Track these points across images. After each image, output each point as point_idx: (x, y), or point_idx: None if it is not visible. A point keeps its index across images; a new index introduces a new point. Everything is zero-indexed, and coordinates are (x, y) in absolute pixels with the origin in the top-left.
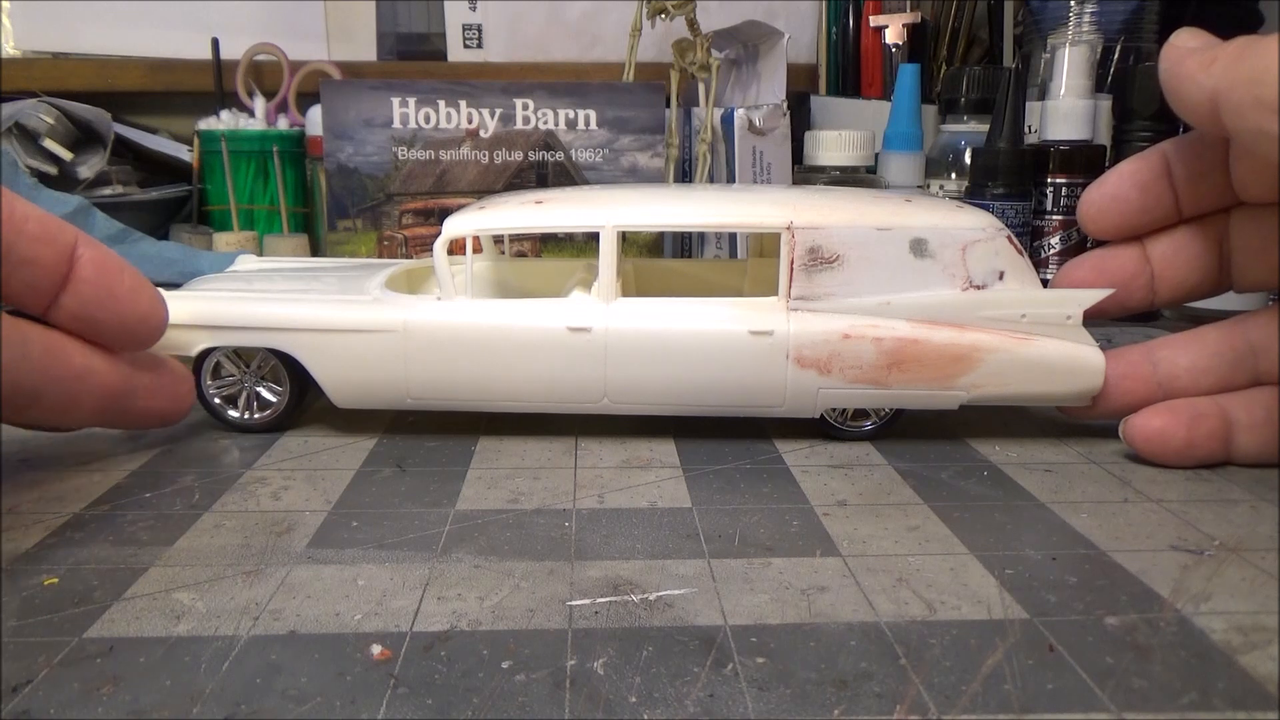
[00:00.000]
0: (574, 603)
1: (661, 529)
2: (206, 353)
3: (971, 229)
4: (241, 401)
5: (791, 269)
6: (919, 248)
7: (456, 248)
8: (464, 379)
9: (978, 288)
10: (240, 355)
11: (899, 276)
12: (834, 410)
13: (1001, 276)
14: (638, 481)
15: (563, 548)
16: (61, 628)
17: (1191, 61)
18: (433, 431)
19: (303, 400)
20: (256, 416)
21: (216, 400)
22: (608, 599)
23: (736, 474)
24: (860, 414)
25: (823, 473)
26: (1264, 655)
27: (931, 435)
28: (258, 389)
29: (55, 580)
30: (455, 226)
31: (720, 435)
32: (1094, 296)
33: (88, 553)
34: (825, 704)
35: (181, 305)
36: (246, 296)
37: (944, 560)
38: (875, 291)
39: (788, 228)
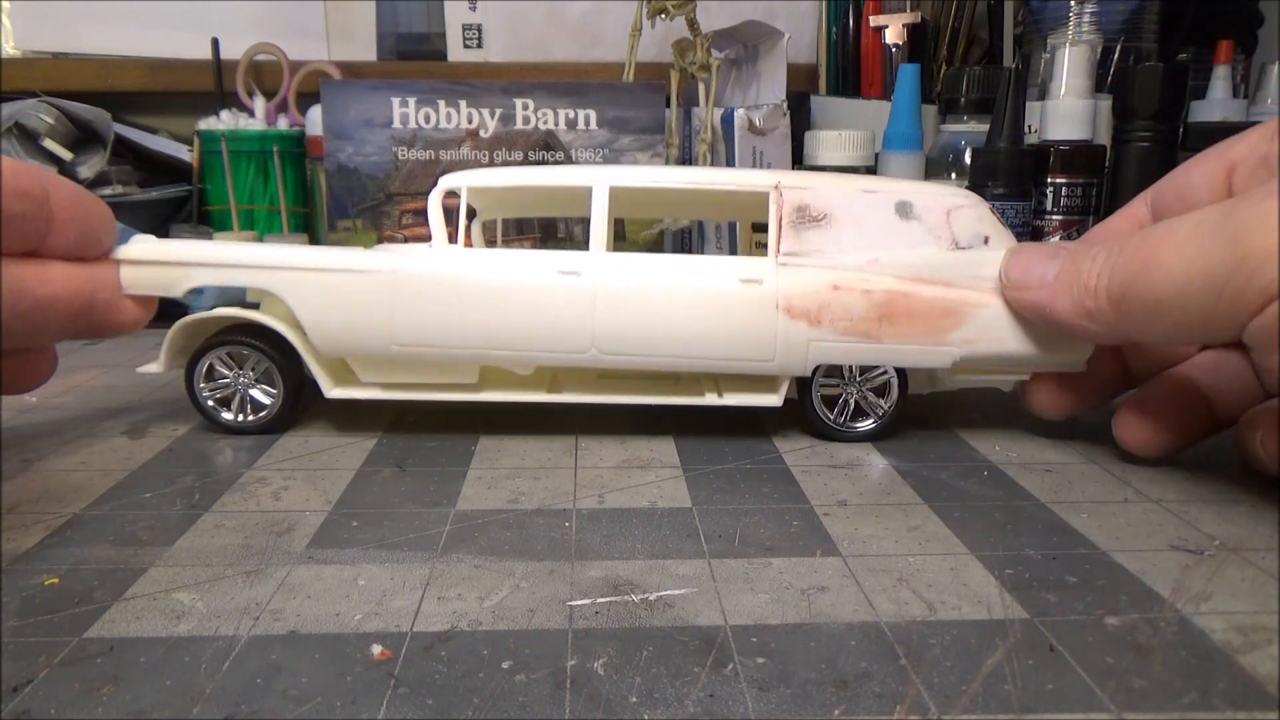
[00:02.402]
0: (574, 603)
1: (662, 529)
2: (199, 356)
3: (954, 197)
4: (235, 404)
5: (780, 227)
6: (904, 209)
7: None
8: (450, 325)
9: (963, 249)
10: (234, 357)
11: (886, 236)
12: (831, 410)
13: (986, 241)
14: (638, 481)
15: (563, 548)
16: (61, 628)
17: (1063, 303)
18: (433, 431)
19: (297, 402)
20: (250, 419)
21: (210, 403)
22: (608, 599)
23: (736, 474)
24: (858, 414)
25: (823, 473)
26: (1264, 655)
27: (931, 435)
28: (251, 391)
29: (55, 580)
30: (452, 180)
31: (720, 435)
32: None
33: (88, 553)
34: (825, 704)
35: (168, 246)
36: (237, 238)
37: (944, 560)
38: (863, 249)
39: (775, 187)
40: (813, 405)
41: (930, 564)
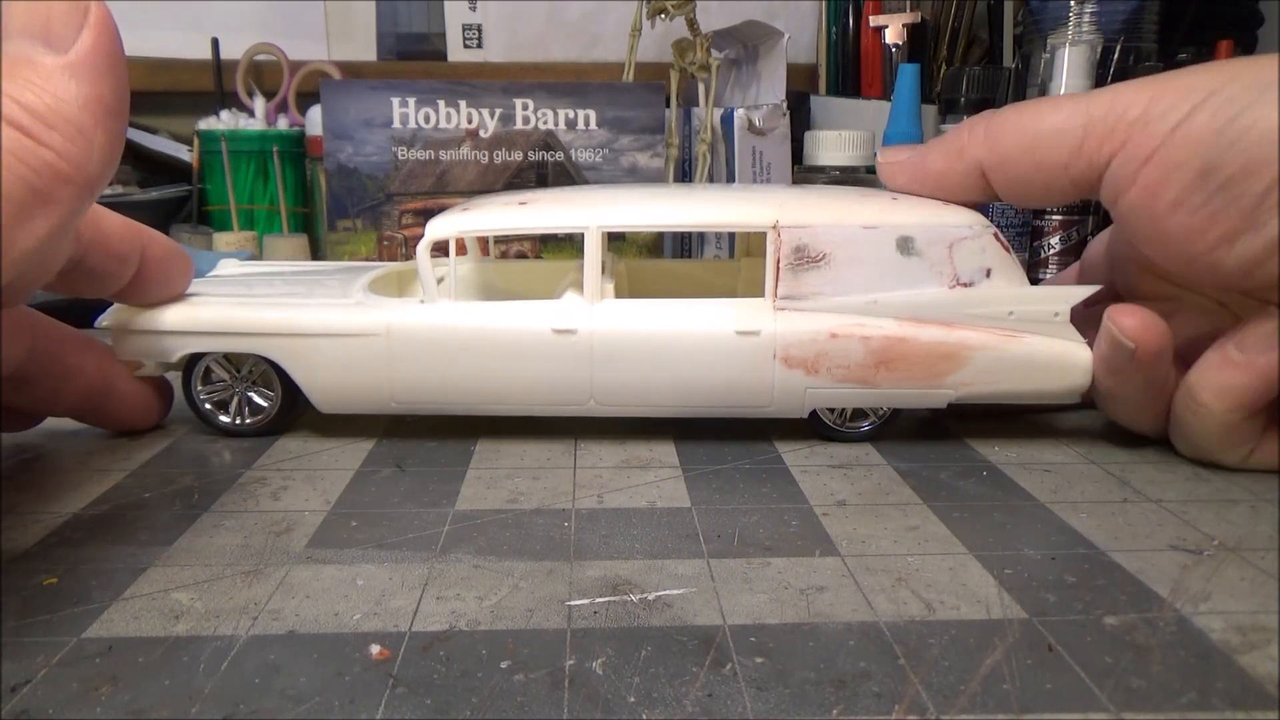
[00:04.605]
0: (573, 603)
1: (661, 529)
2: (196, 358)
3: (958, 226)
4: (233, 407)
5: (778, 268)
6: (906, 245)
7: (442, 250)
8: (448, 383)
9: (965, 285)
10: (231, 360)
11: (886, 275)
12: (831, 411)
13: (989, 274)
14: (637, 481)
15: (562, 548)
16: (60, 628)
17: (935, 155)
18: (432, 432)
19: (295, 405)
20: (248, 422)
21: (207, 406)
22: (607, 599)
23: (736, 474)
24: (858, 415)
25: (822, 473)
26: (1263, 655)
27: (931, 435)
28: (249, 394)
29: (54, 580)
30: (438, 228)
31: (720, 435)
32: (1082, 293)
33: (87, 553)
34: (824, 704)
35: (163, 312)
36: (228, 302)
37: (943, 560)
38: (862, 290)
39: (773, 227)
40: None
41: (929, 564)
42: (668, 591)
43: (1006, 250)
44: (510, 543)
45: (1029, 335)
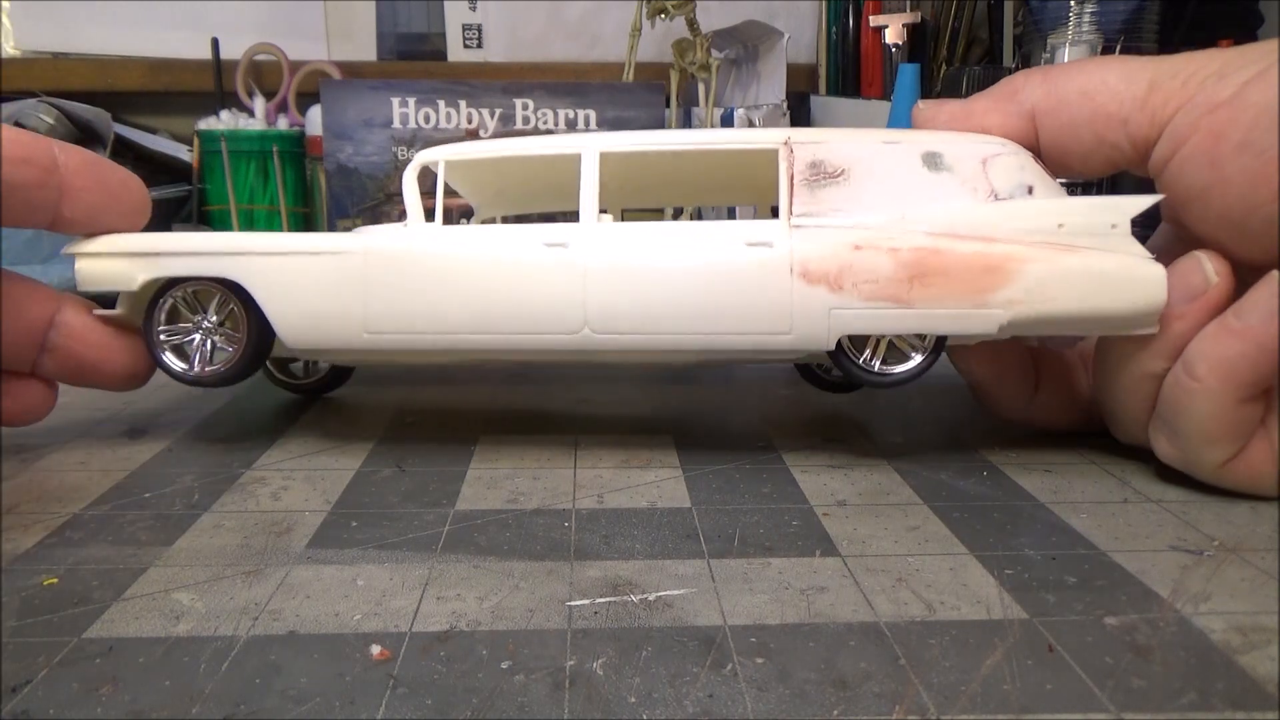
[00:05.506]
0: (573, 603)
1: (661, 529)
2: (159, 296)
3: (990, 144)
4: (195, 353)
5: (791, 185)
6: (933, 160)
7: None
8: (426, 308)
9: (1004, 200)
10: (198, 298)
11: (913, 190)
12: (859, 352)
13: (1030, 192)
14: (637, 481)
15: (562, 548)
16: (61, 628)
17: (982, 100)
18: (432, 431)
19: (262, 352)
20: (208, 370)
21: (167, 348)
22: (607, 599)
23: (736, 474)
24: (893, 357)
25: (822, 473)
26: (1263, 655)
27: (931, 435)
28: (213, 338)
29: (55, 580)
30: (428, 154)
31: (720, 435)
32: (1141, 203)
33: (87, 553)
34: (824, 704)
35: (125, 235)
36: (195, 232)
37: (943, 560)
38: (887, 206)
39: (785, 143)
40: (840, 347)
41: (929, 564)
42: (668, 592)
43: (1047, 172)
44: (510, 543)
45: (1085, 249)
